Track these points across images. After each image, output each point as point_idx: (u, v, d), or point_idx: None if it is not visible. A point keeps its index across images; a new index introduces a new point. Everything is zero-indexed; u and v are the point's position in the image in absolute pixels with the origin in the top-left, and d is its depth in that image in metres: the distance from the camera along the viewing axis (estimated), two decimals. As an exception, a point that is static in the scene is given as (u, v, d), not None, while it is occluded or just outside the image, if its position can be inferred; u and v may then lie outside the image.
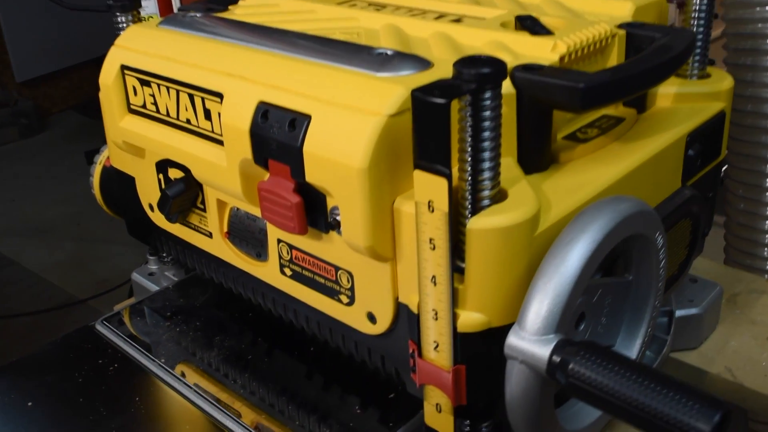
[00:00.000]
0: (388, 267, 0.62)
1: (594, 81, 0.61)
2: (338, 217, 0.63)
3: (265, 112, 0.64)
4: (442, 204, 0.55)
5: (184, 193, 0.77)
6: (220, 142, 0.70)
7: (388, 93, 0.58)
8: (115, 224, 2.53)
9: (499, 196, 0.58)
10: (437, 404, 0.64)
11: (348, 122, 0.59)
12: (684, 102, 0.81)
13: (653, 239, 0.63)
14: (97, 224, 2.61)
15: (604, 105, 0.70)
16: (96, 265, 2.40)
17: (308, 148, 0.61)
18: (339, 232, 0.64)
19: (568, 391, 0.53)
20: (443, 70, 0.61)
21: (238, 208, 0.77)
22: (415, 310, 0.62)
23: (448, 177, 0.54)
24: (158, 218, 0.86)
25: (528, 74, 0.62)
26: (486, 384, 0.61)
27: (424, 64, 0.63)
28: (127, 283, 2.29)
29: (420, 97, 0.53)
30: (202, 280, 0.96)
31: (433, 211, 0.56)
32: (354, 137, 0.58)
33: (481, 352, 0.60)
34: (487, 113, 0.55)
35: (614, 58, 0.75)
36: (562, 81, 0.61)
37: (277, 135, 0.63)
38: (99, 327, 0.88)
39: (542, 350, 0.54)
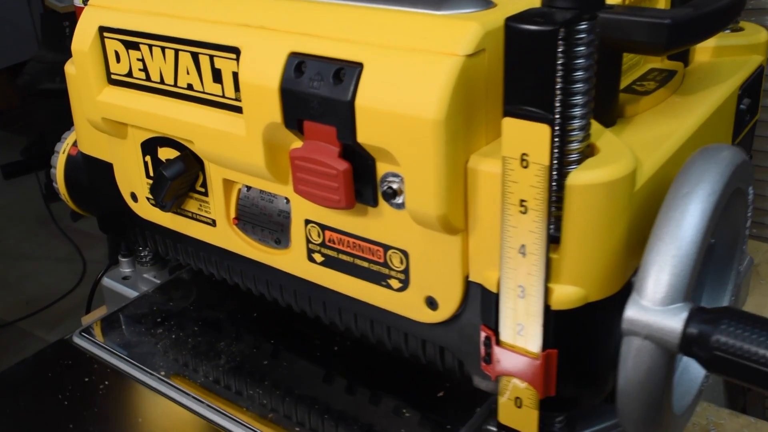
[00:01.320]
0: (458, 240, 0.53)
1: (681, 16, 0.53)
2: (394, 185, 0.54)
3: (298, 65, 0.54)
4: (541, 156, 0.46)
5: (183, 174, 0.66)
6: (236, 108, 0.60)
7: (462, 30, 0.49)
8: (41, 240, 2.34)
9: (589, 150, 0.50)
10: (516, 398, 0.55)
11: (414, 67, 0.49)
12: (724, 55, 0.75)
13: (747, 192, 0.56)
14: (20, 241, 2.41)
15: (688, 44, 0.63)
16: (23, 285, 2.21)
17: (361, 101, 0.51)
18: (394, 204, 0.55)
19: (710, 366, 0.45)
20: (508, 9, 0.52)
21: (249, 188, 0.66)
22: (492, 288, 0.52)
23: (551, 123, 0.45)
24: (143, 209, 0.74)
25: (601, 13, 0.54)
26: (580, 370, 0.53)
27: (484, 1, 0.54)
28: (60, 300, 2.12)
29: (517, 27, 0.44)
30: (191, 278, 0.84)
31: (527, 166, 0.47)
32: (424, 84, 0.49)
33: (576, 332, 0.51)
34: (582, 49, 0.46)
35: (662, 3, 0.68)
36: (644, 18, 0.53)
37: (318, 90, 0.52)
38: (77, 340, 0.75)
39: (673, 322, 0.45)
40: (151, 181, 0.72)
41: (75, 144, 0.82)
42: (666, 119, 0.60)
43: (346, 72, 0.51)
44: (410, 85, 0.49)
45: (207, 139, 0.62)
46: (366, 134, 0.51)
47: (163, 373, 0.70)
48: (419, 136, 0.49)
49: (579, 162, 0.49)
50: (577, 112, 0.48)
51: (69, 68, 0.75)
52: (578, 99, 0.47)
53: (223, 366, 0.70)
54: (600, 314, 0.51)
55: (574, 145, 0.49)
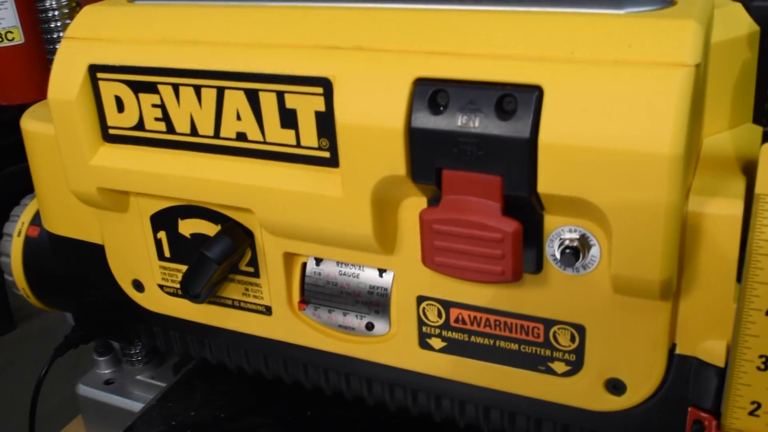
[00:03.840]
0: (666, 306, 0.40)
1: None
2: (574, 244, 0.40)
3: (433, 95, 0.39)
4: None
5: (233, 254, 0.49)
6: (321, 161, 0.44)
7: (684, 32, 0.36)
8: None
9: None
10: (740, 494, 0.43)
11: (626, 85, 0.36)
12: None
13: None
14: None
15: None
16: None
17: (547, 138, 0.37)
18: (572, 269, 0.41)
19: None
20: (689, 7, 0.40)
21: (319, 261, 0.50)
22: (715, 361, 0.40)
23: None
24: (153, 300, 0.57)
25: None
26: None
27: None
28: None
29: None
30: (209, 374, 0.67)
31: (798, 203, 0.35)
32: (647, 106, 0.35)
33: (838, 408, 0.40)
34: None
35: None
36: None
37: (474, 127, 0.38)
38: (81, 485, 0.56)
39: None
40: (166, 265, 0.55)
41: (34, 222, 0.63)
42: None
43: (518, 100, 0.37)
44: (624, 109, 0.36)
45: (275, 206, 0.46)
46: (551, 182, 0.38)
47: None
48: (643, 178, 0.36)
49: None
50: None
51: (30, 125, 0.56)
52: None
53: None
54: None
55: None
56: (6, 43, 0.90)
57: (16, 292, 0.65)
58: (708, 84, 0.42)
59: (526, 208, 0.40)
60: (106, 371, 0.70)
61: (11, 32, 0.88)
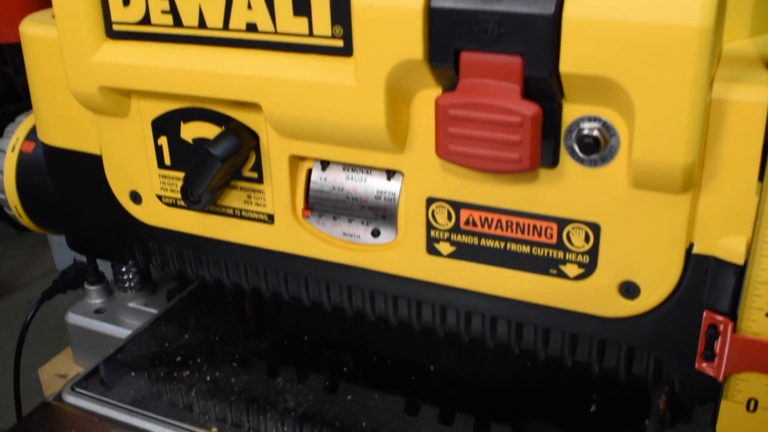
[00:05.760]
0: (686, 201, 0.39)
1: None
2: (594, 133, 0.39)
3: (454, -27, 0.38)
4: None
5: (237, 154, 0.48)
6: (335, 50, 0.43)
7: None
8: None
9: None
10: (752, 400, 0.42)
11: (655, -44, 0.35)
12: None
13: None
14: None
15: None
16: None
17: (572, 12, 0.36)
18: (591, 160, 0.40)
19: None
20: None
21: (325, 166, 0.49)
22: (735, 259, 0.39)
23: None
24: (150, 212, 0.55)
25: None
26: None
27: None
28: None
29: None
30: (203, 299, 0.65)
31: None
32: (677, -23, 0.34)
33: None
34: None
35: None
36: None
37: (497, 3, 0.37)
38: (71, 399, 0.54)
39: None
40: (165, 173, 0.53)
41: (30, 138, 0.61)
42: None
43: (544, -26, 0.36)
44: (653, -19, 0.35)
45: (285, 98, 0.45)
46: (574, 60, 0.37)
47: (214, 429, 0.51)
48: (671, 52, 0.35)
49: None
50: None
51: (30, 28, 0.54)
52: None
53: (294, 411, 0.53)
54: None
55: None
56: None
57: (8, 213, 0.63)
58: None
59: (545, 95, 0.39)
60: (97, 301, 0.68)
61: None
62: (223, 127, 0.49)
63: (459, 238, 0.46)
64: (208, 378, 0.56)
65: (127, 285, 0.66)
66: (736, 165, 0.38)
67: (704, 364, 0.43)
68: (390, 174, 0.47)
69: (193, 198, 0.50)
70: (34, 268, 1.93)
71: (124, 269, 0.66)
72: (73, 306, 0.68)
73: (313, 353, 0.58)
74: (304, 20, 0.43)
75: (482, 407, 0.53)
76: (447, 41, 0.39)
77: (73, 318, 0.67)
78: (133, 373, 0.56)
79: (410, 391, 0.54)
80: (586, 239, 0.42)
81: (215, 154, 0.47)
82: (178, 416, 0.52)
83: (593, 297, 0.44)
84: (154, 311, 0.64)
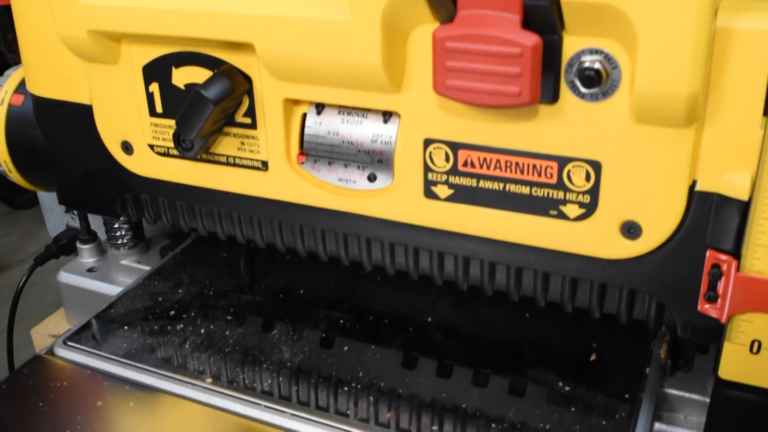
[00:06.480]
0: (689, 135, 0.38)
1: None
2: (596, 65, 0.38)
3: None
4: None
5: (229, 97, 0.47)
6: (329, -17, 0.42)
7: None
8: None
9: None
10: (755, 342, 0.41)
11: None
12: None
13: None
14: None
15: None
16: None
17: (574, -65, 0.35)
18: (591, 94, 0.39)
19: None
20: None
21: (320, 109, 0.48)
22: (739, 195, 0.39)
23: None
24: (142, 163, 0.54)
25: None
26: None
27: None
28: None
29: None
30: (197, 255, 0.64)
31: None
32: None
33: None
34: None
35: None
36: None
37: (496, -72, 0.36)
38: (63, 352, 0.53)
39: None
40: (157, 121, 0.52)
41: (19, 91, 0.60)
42: None
43: None
44: None
45: (279, 36, 0.44)
46: (576, -14, 0.36)
47: (209, 380, 0.50)
48: (676, -25, 0.34)
49: None
50: None
51: (17, -27, 0.53)
52: None
53: (289, 362, 0.52)
54: None
55: None
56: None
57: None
58: None
59: (545, 26, 0.38)
60: (89, 260, 0.67)
61: None
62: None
63: (457, 180, 0.45)
64: (202, 331, 0.55)
65: (119, 242, 0.65)
66: (740, 97, 0.37)
67: (707, 306, 0.42)
68: (386, 117, 0.46)
69: (185, 144, 0.49)
70: (28, 245, 1.92)
71: (116, 225, 0.65)
72: (65, 266, 0.67)
73: (309, 309, 0.57)
74: (297, -46, 0.42)
75: (480, 360, 0.52)
76: (445, -30, 0.38)
77: (65, 277, 0.66)
78: (126, 327, 0.56)
79: (407, 346, 0.54)
80: (587, 178, 0.42)
81: (207, 97, 0.46)
82: (172, 369, 0.51)
83: (594, 238, 0.43)
84: (147, 268, 0.64)
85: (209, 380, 0.50)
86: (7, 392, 0.50)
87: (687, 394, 0.49)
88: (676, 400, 0.49)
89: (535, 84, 0.38)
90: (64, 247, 0.75)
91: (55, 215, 0.94)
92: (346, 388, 0.49)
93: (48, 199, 0.94)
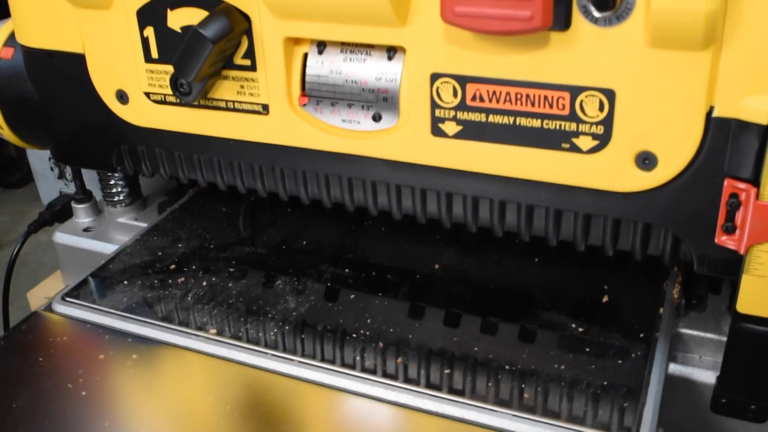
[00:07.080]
0: (706, 58, 0.37)
1: None
2: (610, -14, 0.37)
3: None
4: None
5: (227, 36, 0.45)
6: None
7: None
8: None
9: None
10: (775, 274, 0.40)
11: None
12: None
13: None
14: None
15: None
16: None
17: None
18: (605, 18, 0.38)
19: None
20: None
21: (322, 49, 0.46)
22: (756, 118, 0.37)
23: None
24: (138, 112, 0.53)
25: None
26: None
27: None
28: None
29: None
30: (196, 209, 0.63)
31: None
32: None
33: None
34: None
35: None
36: None
37: None
38: (61, 308, 0.52)
39: None
40: (153, 67, 0.50)
41: (8, 44, 0.58)
42: None
43: None
44: None
45: (277, -32, 0.42)
46: None
47: (213, 331, 0.49)
48: None
49: None
50: None
51: None
52: None
53: (294, 312, 0.51)
54: None
55: None
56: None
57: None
58: None
59: (557, -53, 0.37)
60: (85, 220, 0.66)
61: None
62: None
63: (465, 115, 0.43)
64: (204, 283, 0.54)
65: (116, 199, 0.64)
66: (761, 16, 0.36)
67: (724, 237, 0.41)
68: (391, 53, 0.45)
69: (183, 89, 0.48)
70: (20, 225, 1.90)
71: (112, 182, 0.63)
72: (61, 226, 0.66)
73: (313, 259, 0.56)
74: None
75: (489, 307, 0.51)
76: None
77: (61, 237, 0.65)
78: (125, 282, 0.54)
79: (414, 295, 0.53)
80: (600, 108, 0.40)
81: (206, 35, 0.44)
82: (175, 321, 0.50)
83: (608, 171, 0.42)
84: (144, 225, 0.62)
85: (213, 331, 0.49)
86: (5, 348, 0.49)
87: (702, 333, 0.48)
88: (691, 340, 0.49)
89: (547, 7, 0.37)
90: (57, 213, 0.74)
91: (48, 182, 0.92)
92: (354, 336, 0.48)
93: (40, 165, 0.92)
